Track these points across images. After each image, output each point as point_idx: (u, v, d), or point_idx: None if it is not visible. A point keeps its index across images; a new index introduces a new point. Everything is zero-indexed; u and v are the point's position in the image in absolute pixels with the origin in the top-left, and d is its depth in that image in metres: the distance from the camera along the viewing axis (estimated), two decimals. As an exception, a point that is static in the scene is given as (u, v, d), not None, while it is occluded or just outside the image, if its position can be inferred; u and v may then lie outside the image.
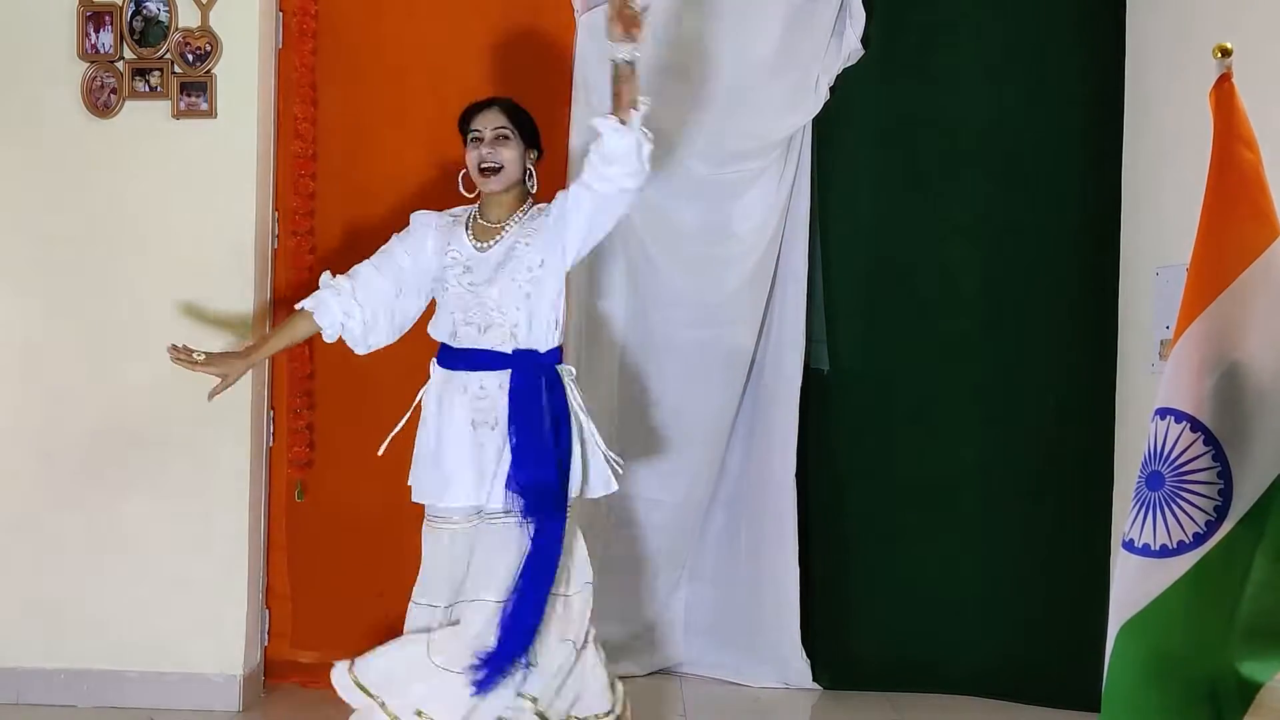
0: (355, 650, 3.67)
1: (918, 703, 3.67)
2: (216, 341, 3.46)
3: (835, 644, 3.79)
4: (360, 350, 2.98)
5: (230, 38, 3.48)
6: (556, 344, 2.84)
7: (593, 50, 3.71)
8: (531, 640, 2.69)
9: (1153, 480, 2.08)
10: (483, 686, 2.66)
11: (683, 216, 3.76)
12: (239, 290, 3.50)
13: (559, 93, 3.72)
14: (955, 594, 3.71)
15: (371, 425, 3.65)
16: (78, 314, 3.50)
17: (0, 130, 3.51)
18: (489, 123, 2.84)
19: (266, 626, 3.67)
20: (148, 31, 3.48)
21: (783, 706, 3.68)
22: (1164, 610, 2.03)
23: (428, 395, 2.85)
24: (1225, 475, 2.02)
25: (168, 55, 3.48)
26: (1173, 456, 2.05)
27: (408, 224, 3.67)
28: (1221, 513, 2.02)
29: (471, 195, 2.90)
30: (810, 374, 3.77)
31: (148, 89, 3.48)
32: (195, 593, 3.47)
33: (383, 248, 2.95)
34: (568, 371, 2.86)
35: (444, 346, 2.85)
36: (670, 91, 3.72)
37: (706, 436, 3.80)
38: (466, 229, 2.87)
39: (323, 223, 3.68)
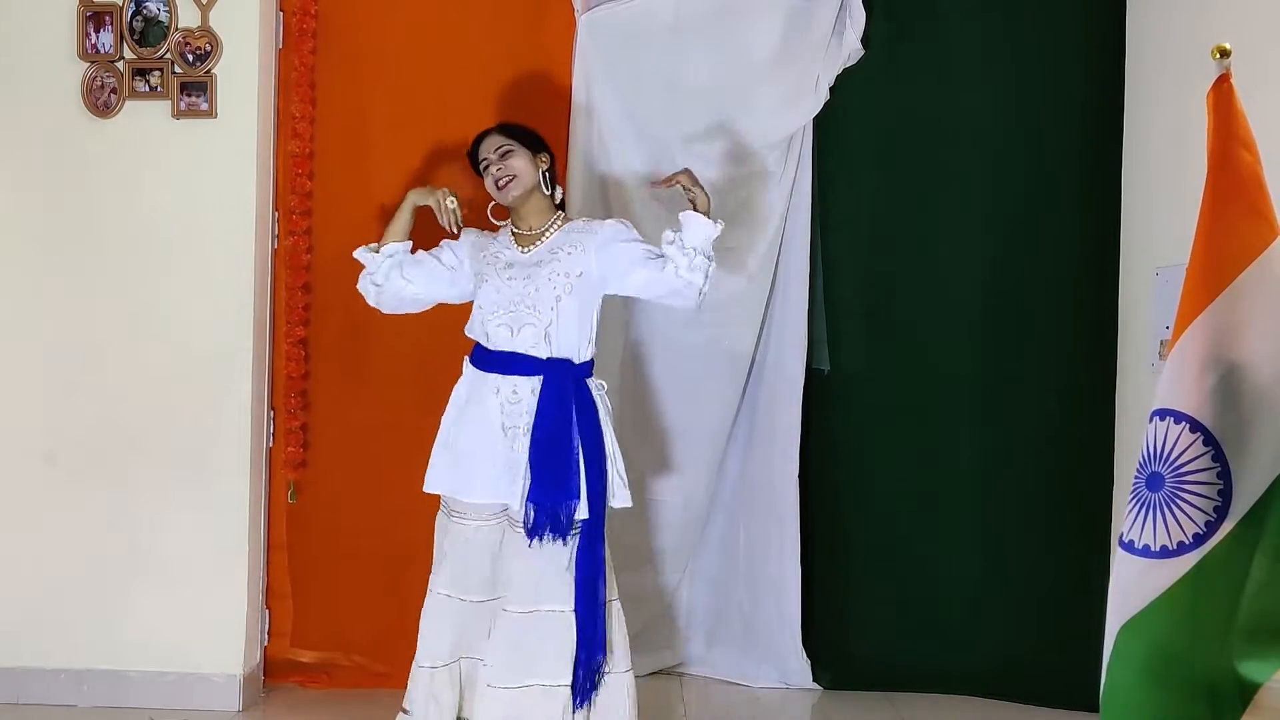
0: (355, 650, 3.70)
1: (918, 703, 3.67)
2: (214, 343, 3.48)
3: (835, 644, 3.79)
4: (388, 305, 3.07)
5: (230, 38, 3.48)
6: (589, 357, 2.91)
7: (593, 50, 3.71)
8: (602, 647, 2.81)
9: (1152, 481, 2.08)
10: (583, 696, 2.80)
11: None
12: (239, 290, 3.50)
13: (559, 92, 3.72)
14: (955, 594, 3.71)
15: (367, 426, 3.67)
16: (77, 314, 3.50)
17: (0, 130, 3.51)
18: (491, 146, 2.99)
19: (266, 626, 3.67)
20: (148, 31, 3.49)
21: (783, 706, 3.68)
22: (1164, 611, 2.03)
23: (458, 390, 2.94)
24: (1225, 475, 2.02)
25: (168, 55, 3.48)
26: (1172, 457, 2.05)
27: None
28: (1221, 513, 2.02)
29: (501, 221, 3.07)
30: (811, 374, 3.77)
31: (148, 89, 3.48)
32: (195, 593, 3.47)
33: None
34: (599, 385, 2.93)
35: (478, 346, 2.93)
36: (671, 92, 3.73)
37: (707, 437, 3.80)
38: (509, 236, 3.02)
39: (322, 223, 3.68)
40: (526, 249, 2.95)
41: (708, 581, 3.89)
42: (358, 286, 3.07)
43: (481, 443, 2.84)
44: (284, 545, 3.68)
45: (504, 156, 2.95)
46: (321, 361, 3.68)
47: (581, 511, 2.77)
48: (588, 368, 2.91)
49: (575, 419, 2.79)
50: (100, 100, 3.48)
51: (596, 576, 2.79)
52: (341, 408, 3.69)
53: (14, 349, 3.52)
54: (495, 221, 3.08)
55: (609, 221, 3.03)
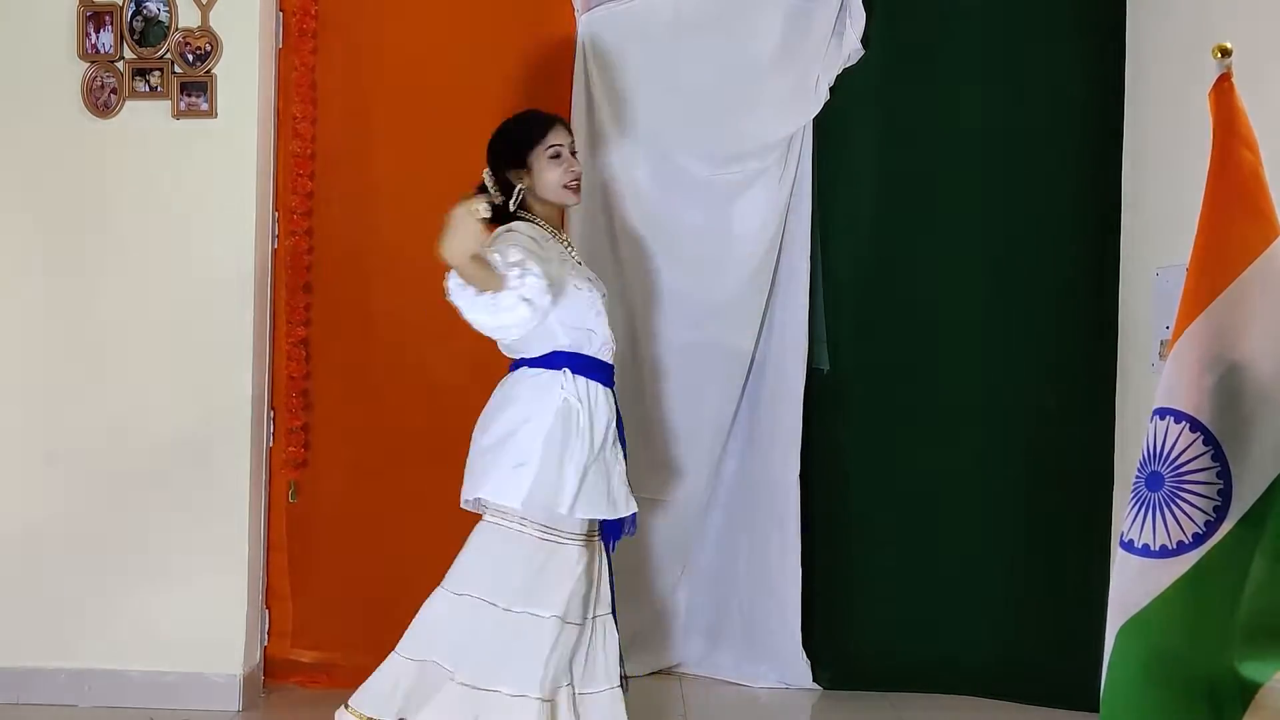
0: (355, 650, 3.70)
1: (918, 703, 3.67)
2: (215, 343, 3.48)
3: (835, 644, 3.79)
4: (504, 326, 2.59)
5: (230, 38, 3.48)
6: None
7: (593, 50, 3.72)
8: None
9: (1152, 480, 2.08)
10: None
11: (682, 218, 3.76)
12: (239, 290, 3.50)
13: (559, 92, 3.72)
14: (955, 594, 3.71)
15: (368, 426, 3.68)
16: (78, 314, 3.50)
17: (1, 130, 3.50)
18: (566, 139, 2.80)
19: (266, 626, 3.67)
20: (148, 31, 3.49)
21: (783, 706, 3.68)
22: (1163, 611, 2.03)
23: (572, 406, 2.64)
24: (1225, 475, 2.02)
25: (168, 55, 3.48)
26: (1172, 457, 2.05)
27: (407, 225, 3.69)
28: (1221, 513, 2.01)
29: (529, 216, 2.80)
30: (812, 374, 3.77)
31: (148, 89, 3.48)
32: (195, 593, 3.47)
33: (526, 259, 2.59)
34: None
35: (578, 356, 2.69)
36: (670, 93, 3.73)
37: (706, 437, 3.80)
38: (558, 242, 2.78)
39: (322, 223, 3.68)
40: (580, 262, 2.83)
41: (707, 581, 3.89)
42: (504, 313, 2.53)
43: (609, 459, 2.72)
44: (284, 545, 3.68)
45: (575, 155, 2.81)
46: (323, 361, 3.68)
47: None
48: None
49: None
50: (100, 100, 3.48)
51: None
52: (342, 408, 3.69)
53: (14, 349, 3.52)
54: (517, 210, 2.78)
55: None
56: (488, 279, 2.45)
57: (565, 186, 2.76)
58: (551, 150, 2.76)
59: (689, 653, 3.88)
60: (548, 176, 2.76)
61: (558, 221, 2.90)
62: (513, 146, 2.79)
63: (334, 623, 3.70)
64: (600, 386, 2.72)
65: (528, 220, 2.77)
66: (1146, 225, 3.49)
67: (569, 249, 2.84)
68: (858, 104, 3.73)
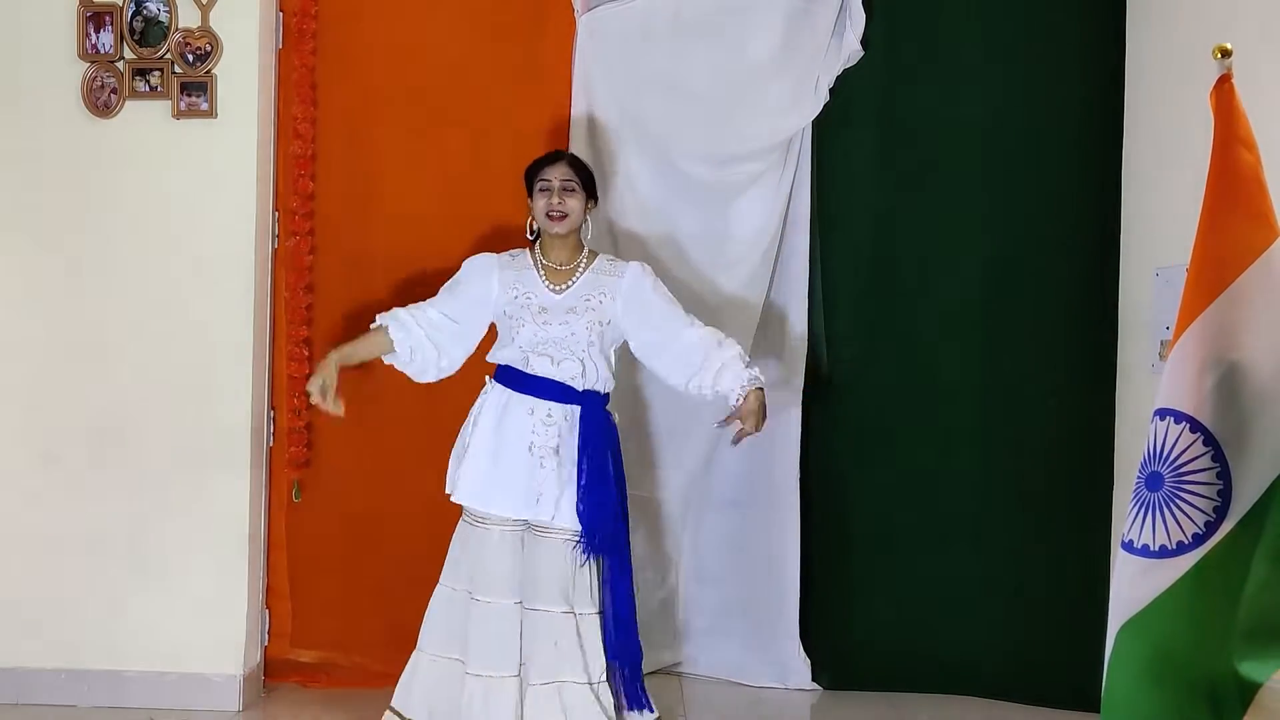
0: (355, 650, 3.70)
1: (918, 703, 3.67)
2: (215, 343, 3.48)
3: (835, 644, 3.79)
4: (425, 379, 3.16)
5: (230, 38, 3.47)
6: (609, 390, 3.11)
7: (592, 50, 3.71)
8: (638, 650, 3.07)
9: (1152, 481, 2.08)
10: (633, 699, 3.07)
11: (682, 219, 3.76)
12: (239, 290, 3.50)
13: (559, 92, 3.72)
14: (955, 594, 3.71)
15: (370, 426, 3.67)
16: (78, 314, 3.50)
17: (0, 130, 3.51)
18: (558, 174, 3.08)
19: (266, 626, 3.67)
20: (148, 32, 3.48)
21: (783, 706, 3.69)
22: (1164, 611, 2.03)
23: (486, 409, 3.05)
24: (1225, 476, 2.02)
25: (168, 55, 3.48)
26: (1172, 457, 2.05)
27: (407, 225, 3.69)
28: (1221, 513, 2.02)
29: (530, 238, 3.17)
30: (810, 374, 3.77)
31: (148, 89, 3.48)
32: (195, 593, 3.47)
33: (444, 294, 3.12)
34: (611, 413, 3.13)
35: (509, 369, 3.06)
36: (670, 93, 3.73)
37: (703, 436, 3.79)
38: (537, 270, 3.09)
39: (322, 223, 3.68)
40: (559, 288, 3.07)
41: (707, 581, 3.89)
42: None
43: (506, 460, 3.00)
44: (284, 545, 3.68)
45: (565, 190, 3.06)
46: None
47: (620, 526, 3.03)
48: (609, 398, 3.12)
49: (606, 441, 3.02)
50: (100, 100, 3.48)
51: (626, 584, 3.05)
52: (346, 408, 3.68)
53: (14, 348, 3.51)
54: (528, 237, 3.17)
55: (633, 267, 3.11)
56: (380, 345, 3.12)
57: (547, 216, 3.06)
58: (541, 184, 3.09)
59: (689, 652, 3.88)
60: (535, 206, 3.11)
61: (561, 246, 3.10)
62: (526, 181, 3.16)
63: (334, 623, 3.70)
64: (532, 398, 3.02)
65: (510, 252, 3.15)
66: (1146, 225, 3.49)
67: (542, 274, 3.08)
68: (858, 104, 3.74)
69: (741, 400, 3.00)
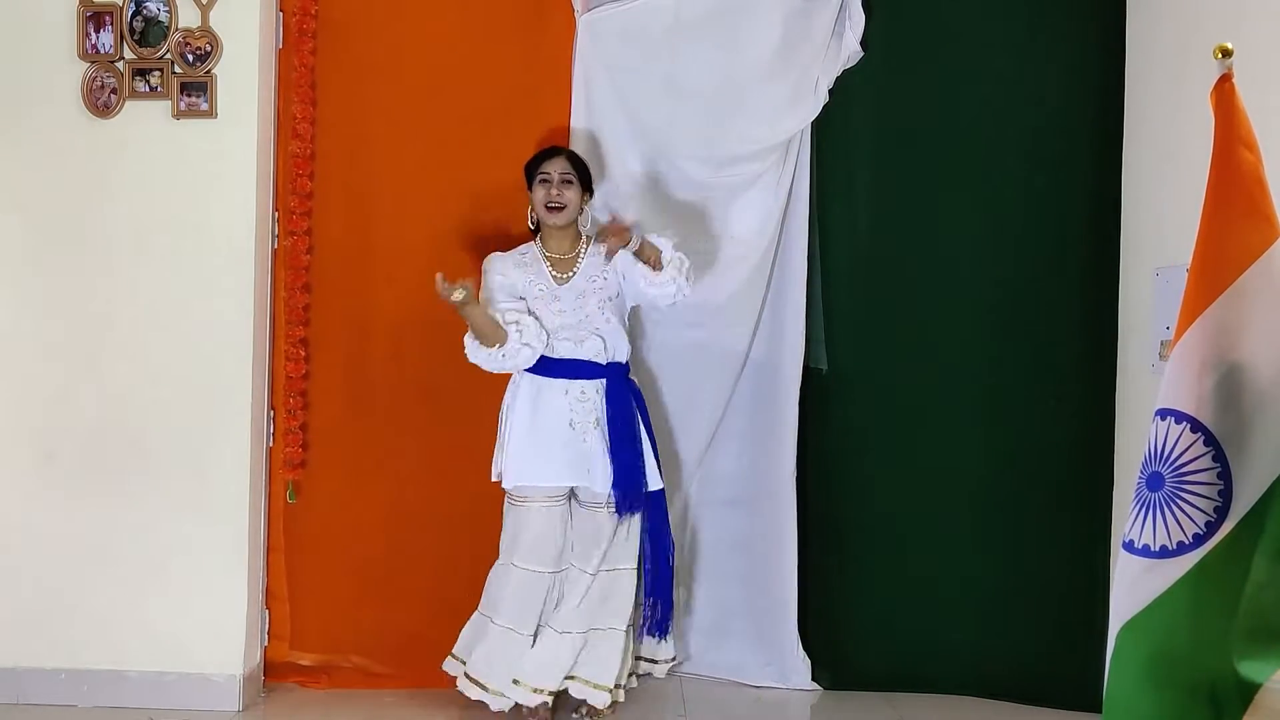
0: (354, 651, 3.70)
1: (917, 703, 3.67)
2: (215, 343, 3.48)
3: (835, 644, 3.79)
4: (517, 366, 3.29)
5: (230, 38, 3.47)
6: (629, 358, 3.37)
7: (592, 50, 3.71)
8: (670, 591, 3.46)
9: (1153, 481, 2.08)
10: (661, 631, 3.48)
11: (682, 219, 3.76)
12: (239, 290, 3.49)
13: (559, 92, 3.72)
14: (955, 594, 3.71)
15: (367, 426, 3.68)
16: (77, 314, 3.49)
17: (1, 130, 3.50)
18: (557, 168, 3.30)
19: (266, 627, 3.67)
20: (148, 31, 3.48)
21: (783, 706, 3.68)
22: (1164, 611, 2.03)
23: (520, 398, 3.29)
24: (1225, 476, 2.02)
25: (168, 55, 3.47)
26: (1173, 457, 2.05)
27: (407, 225, 3.70)
28: (1222, 513, 2.02)
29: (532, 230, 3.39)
30: (809, 374, 3.77)
31: (148, 89, 3.48)
32: (195, 593, 3.47)
33: (493, 299, 3.27)
34: (633, 379, 3.40)
35: (540, 357, 3.25)
36: (670, 94, 3.73)
37: (702, 436, 3.80)
38: (544, 263, 3.33)
39: (322, 223, 3.68)
40: (564, 276, 3.32)
41: (707, 581, 3.89)
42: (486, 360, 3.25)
43: (555, 436, 3.24)
44: (281, 546, 3.68)
45: (564, 183, 3.28)
46: (322, 361, 3.68)
47: (655, 483, 3.32)
48: (630, 366, 3.39)
49: (634, 406, 3.31)
50: (100, 100, 3.48)
51: (666, 536, 3.41)
52: (342, 408, 3.69)
53: (14, 349, 3.51)
54: (529, 227, 3.37)
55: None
56: (495, 334, 3.18)
57: (546, 207, 3.28)
58: (541, 177, 3.31)
59: (689, 652, 3.87)
60: (534, 198, 3.33)
61: (560, 237, 3.34)
62: (526, 174, 3.36)
63: (332, 624, 3.70)
64: (564, 380, 3.26)
65: (513, 250, 3.37)
66: (1146, 225, 3.49)
67: (548, 263, 3.32)
68: (858, 105, 3.74)
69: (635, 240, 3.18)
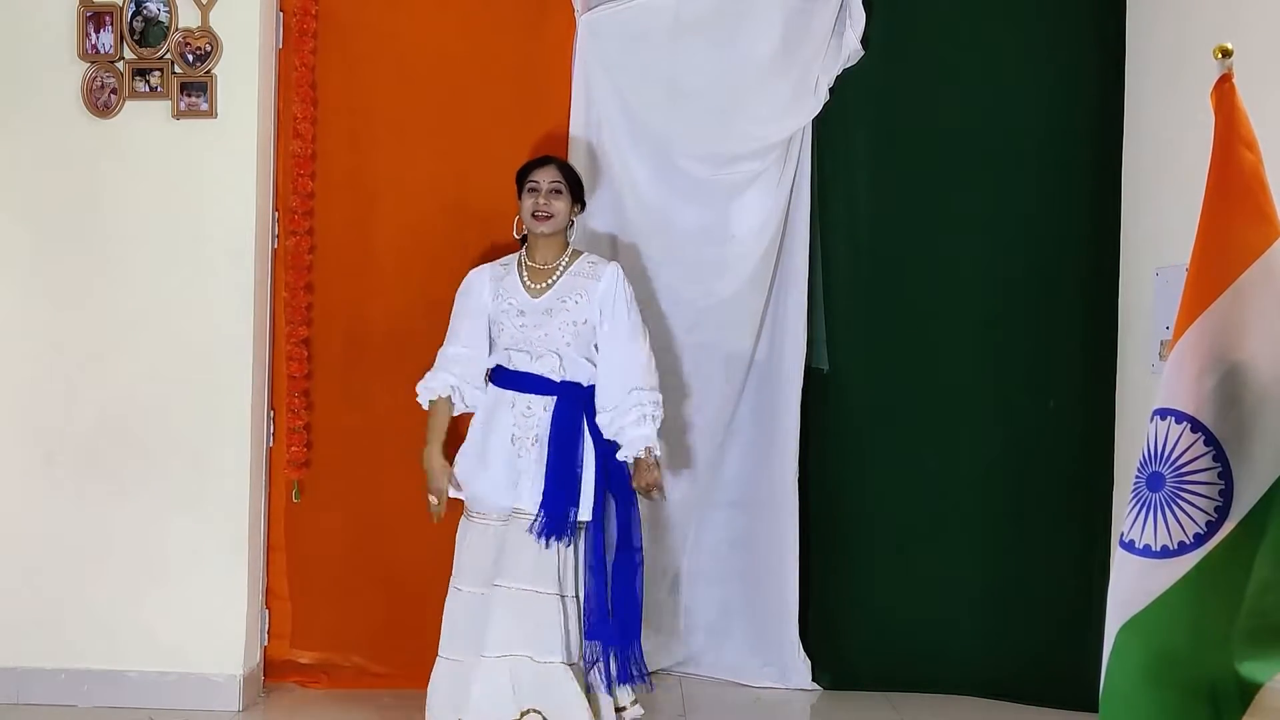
0: (354, 651, 3.70)
1: (917, 703, 3.67)
2: (215, 343, 3.48)
3: (835, 644, 3.79)
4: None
5: (230, 38, 3.47)
6: (593, 383, 3.16)
7: (593, 50, 3.71)
8: (619, 633, 3.12)
9: (1153, 481, 2.08)
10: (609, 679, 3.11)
11: (682, 219, 3.76)
12: (239, 290, 3.49)
13: (559, 92, 3.72)
14: (955, 594, 3.71)
15: (369, 426, 3.67)
16: (78, 314, 3.49)
17: (1, 130, 3.50)
18: (546, 177, 3.19)
19: (266, 626, 3.67)
20: (148, 32, 3.48)
21: (783, 706, 3.69)
22: (1164, 611, 2.03)
23: (479, 409, 3.23)
24: (1226, 476, 2.02)
25: (168, 55, 3.47)
26: (1173, 457, 2.05)
27: (408, 224, 3.70)
28: (1222, 513, 2.01)
29: (518, 239, 3.27)
30: (810, 374, 3.77)
31: (148, 89, 3.47)
32: (195, 593, 3.47)
33: (454, 322, 3.23)
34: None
35: (498, 369, 3.19)
36: (670, 93, 3.73)
37: (705, 437, 3.80)
38: (520, 273, 3.20)
39: (322, 223, 3.68)
40: (538, 287, 3.17)
41: (707, 581, 3.89)
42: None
43: (499, 454, 3.14)
44: (283, 546, 3.68)
45: (552, 193, 3.17)
46: (324, 361, 3.68)
47: (585, 514, 3.07)
48: (594, 390, 3.15)
49: (585, 434, 3.12)
50: (100, 100, 3.48)
51: (600, 569, 3.11)
52: (344, 408, 3.69)
53: (14, 349, 3.51)
54: (515, 237, 3.26)
55: (609, 271, 3.17)
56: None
57: (533, 215, 3.17)
58: (529, 185, 3.19)
59: (689, 652, 3.88)
60: (522, 206, 3.20)
61: (545, 246, 3.19)
62: (516, 183, 3.24)
63: (333, 623, 3.70)
64: (513, 393, 3.15)
65: (516, 253, 3.25)
66: (1146, 225, 3.49)
67: (525, 275, 3.18)
68: (858, 104, 3.74)
69: (633, 468, 3.12)
